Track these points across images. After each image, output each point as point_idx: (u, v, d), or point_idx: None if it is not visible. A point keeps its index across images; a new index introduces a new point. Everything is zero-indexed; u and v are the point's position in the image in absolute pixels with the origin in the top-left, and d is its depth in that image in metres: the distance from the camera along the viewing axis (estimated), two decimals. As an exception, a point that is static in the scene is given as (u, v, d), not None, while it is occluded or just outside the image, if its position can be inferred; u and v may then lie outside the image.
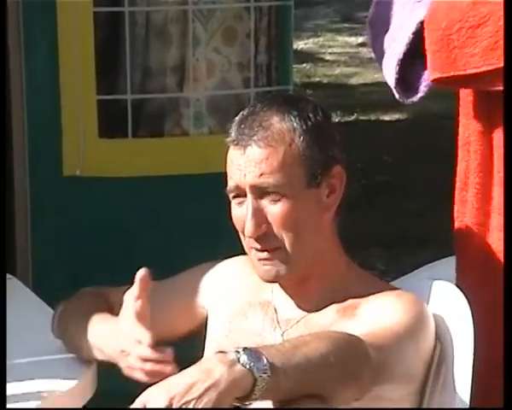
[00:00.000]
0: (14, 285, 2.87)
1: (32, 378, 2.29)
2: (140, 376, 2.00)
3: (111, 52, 3.84)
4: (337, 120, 7.34)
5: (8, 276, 2.87)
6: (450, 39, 2.34)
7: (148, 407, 1.78)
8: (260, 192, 2.11)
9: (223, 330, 2.27)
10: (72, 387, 2.28)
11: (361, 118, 8.45)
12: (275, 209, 2.11)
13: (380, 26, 2.61)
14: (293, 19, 4.04)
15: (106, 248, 3.76)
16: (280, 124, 2.13)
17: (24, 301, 2.64)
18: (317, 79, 10.00)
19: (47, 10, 3.78)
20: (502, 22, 2.27)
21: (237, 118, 2.16)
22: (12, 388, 2.21)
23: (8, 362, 2.26)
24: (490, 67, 2.27)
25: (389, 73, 2.52)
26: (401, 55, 2.44)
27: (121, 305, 2.25)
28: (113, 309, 2.32)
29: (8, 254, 3.51)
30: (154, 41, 3.92)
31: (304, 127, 2.15)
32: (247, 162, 2.11)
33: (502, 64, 2.27)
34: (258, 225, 2.10)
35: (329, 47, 11.84)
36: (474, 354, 2.16)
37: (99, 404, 2.47)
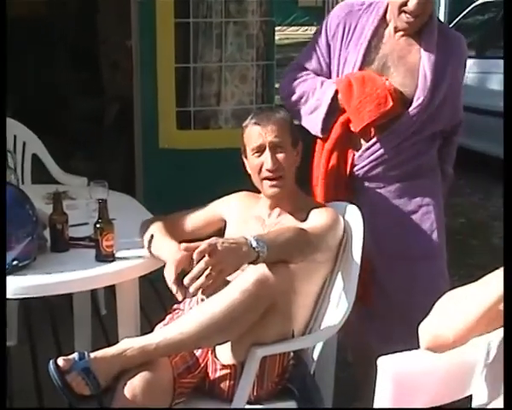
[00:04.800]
0: (134, 203, 2.89)
1: (137, 248, 2.22)
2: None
3: (184, 85, 3.87)
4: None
5: (131, 198, 2.96)
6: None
7: (199, 251, 1.74)
8: (274, 146, 2.14)
9: (233, 231, 2.22)
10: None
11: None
12: (280, 156, 2.14)
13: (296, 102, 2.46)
14: (275, 71, 4.04)
15: (183, 187, 3.67)
16: (281, 115, 2.19)
17: (139, 214, 2.56)
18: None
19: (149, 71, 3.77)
20: (379, 91, 2.28)
21: (252, 115, 2.22)
22: (123, 253, 2.19)
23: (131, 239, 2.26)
24: (378, 114, 2.30)
25: (313, 124, 2.42)
26: (324, 116, 2.39)
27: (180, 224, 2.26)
28: (173, 223, 2.27)
29: (131, 188, 3.79)
30: (205, 81, 3.93)
31: (290, 119, 2.22)
32: (267, 131, 2.13)
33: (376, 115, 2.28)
34: (274, 163, 2.13)
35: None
36: (364, 242, 2.17)
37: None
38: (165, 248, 2.11)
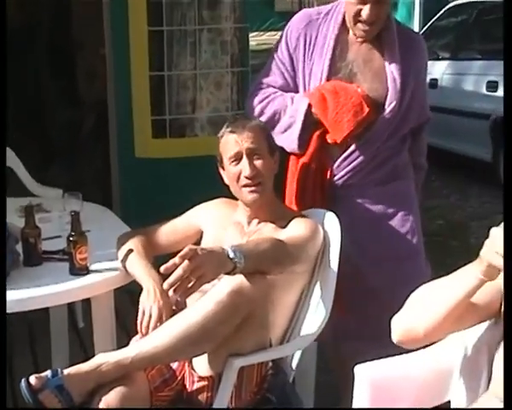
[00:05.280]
0: (109, 214, 2.87)
1: (112, 260, 2.22)
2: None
3: (159, 94, 3.84)
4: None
5: (105, 208, 2.92)
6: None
7: (180, 255, 1.72)
8: (251, 153, 2.11)
9: (211, 238, 2.18)
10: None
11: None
12: (257, 163, 2.12)
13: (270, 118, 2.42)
14: (250, 78, 3.98)
15: (160, 196, 3.68)
16: (257, 122, 2.21)
17: (114, 225, 2.59)
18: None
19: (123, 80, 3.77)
20: (353, 99, 2.26)
21: (227, 124, 2.19)
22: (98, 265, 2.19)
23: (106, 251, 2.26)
24: (356, 123, 2.29)
25: (289, 142, 2.40)
26: (299, 132, 2.38)
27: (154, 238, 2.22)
28: (149, 237, 2.24)
29: (108, 198, 3.78)
30: (180, 89, 3.87)
31: (265, 126, 2.25)
32: (243, 138, 2.11)
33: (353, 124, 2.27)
34: (252, 169, 2.10)
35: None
36: (340, 250, 2.16)
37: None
38: (140, 271, 2.12)
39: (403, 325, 1.54)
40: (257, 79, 2.52)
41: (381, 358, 1.62)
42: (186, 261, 1.72)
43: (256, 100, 2.45)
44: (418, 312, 1.51)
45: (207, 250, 1.79)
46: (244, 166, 2.12)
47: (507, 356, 1.40)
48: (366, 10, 2.26)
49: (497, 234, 1.39)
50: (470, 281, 1.45)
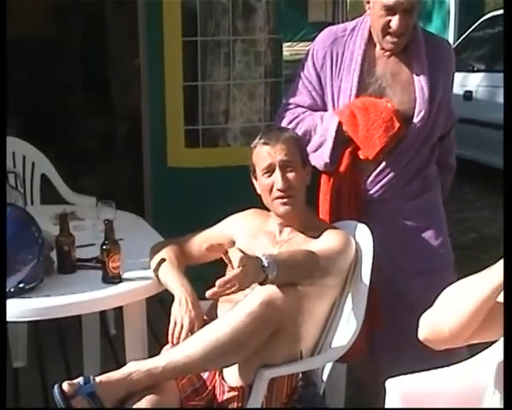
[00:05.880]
0: (141, 223, 2.89)
1: (144, 269, 2.23)
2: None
3: (192, 104, 3.85)
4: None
5: (138, 217, 2.93)
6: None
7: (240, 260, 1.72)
8: (284, 165, 2.12)
9: (243, 247, 2.03)
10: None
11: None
12: (290, 175, 2.13)
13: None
14: (283, 88, 3.98)
15: (192, 205, 3.68)
16: (290, 134, 2.21)
17: (147, 234, 2.61)
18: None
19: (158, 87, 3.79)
20: (384, 115, 2.26)
21: (260, 135, 2.20)
22: (130, 274, 2.20)
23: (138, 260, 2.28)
24: (387, 138, 2.28)
25: (321, 161, 2.40)
26: (330, 151, 2.37)
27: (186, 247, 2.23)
28: (182, 247, 2.25)
29: (140, 207, 3.78)
30: (214, 99, 3.89)
31: (298, 138, 2.26)
32: (276, 151, 2.12)
33: (385, 139, 2.27)
34: (285, 182, 2.11)
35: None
36: (372, 263, 2.16)
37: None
38: (173, 280, 2.13)
39: (429, 323, 1.53)
40: (284, 100, 2.51)
41: (414, 371, 1.61)
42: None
43: (285, 121, 2.45)
44: (444, 310, 1.50)
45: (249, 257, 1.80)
46: (277, 179, 2.13)
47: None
48: (395, 21, 2.26)
49: None
50: (496, 278, 1.42)
